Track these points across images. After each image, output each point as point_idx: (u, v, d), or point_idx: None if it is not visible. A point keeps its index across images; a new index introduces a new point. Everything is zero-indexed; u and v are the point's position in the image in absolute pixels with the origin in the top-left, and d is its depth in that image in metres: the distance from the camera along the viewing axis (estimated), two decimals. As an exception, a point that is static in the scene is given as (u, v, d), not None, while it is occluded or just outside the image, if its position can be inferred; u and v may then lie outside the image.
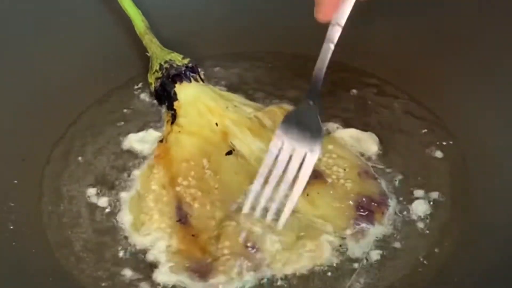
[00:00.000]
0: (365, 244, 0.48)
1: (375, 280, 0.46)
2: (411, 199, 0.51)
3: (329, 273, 0.47)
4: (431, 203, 0.51)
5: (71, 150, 0.56)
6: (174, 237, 0.48)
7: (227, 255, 0.47)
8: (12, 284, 0.46)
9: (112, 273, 0.47)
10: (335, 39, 0.44)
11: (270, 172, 0.47)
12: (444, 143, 0.55)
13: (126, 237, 0.49)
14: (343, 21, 0.43)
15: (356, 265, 0.47)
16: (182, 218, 0.49)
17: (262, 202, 0.47)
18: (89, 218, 0.51)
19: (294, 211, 0.49)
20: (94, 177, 0.54)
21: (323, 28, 0.59)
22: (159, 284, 0.46)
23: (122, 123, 0.58)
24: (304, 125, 0.47)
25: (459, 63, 0.57)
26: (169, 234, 0.49)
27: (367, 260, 0.47)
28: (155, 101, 0.59)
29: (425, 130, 0.56)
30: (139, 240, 0.49)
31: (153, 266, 0.47)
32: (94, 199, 0.52)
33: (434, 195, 0.51)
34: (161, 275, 0.47)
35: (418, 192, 0.52)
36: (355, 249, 0.48)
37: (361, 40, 0.58)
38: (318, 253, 0.47)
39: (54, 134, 0.56)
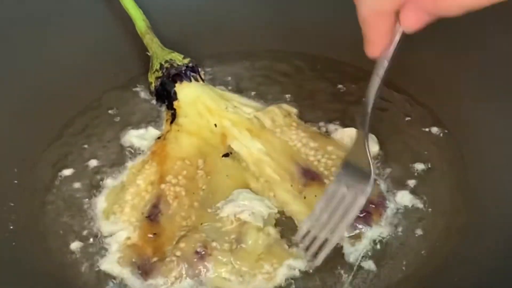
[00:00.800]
0: (362, 245, 0.48)
1: (374, 282, 0.46)
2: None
3: (325, 277, 0.46)
4: (429, 203, 0.51)
5: (71, 149, 0.56)
6: (136, 232, 0.49)
7: (174, 257, 0.47)
8: (12, 284, 0.46)
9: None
10: (382, 74, 0.45)
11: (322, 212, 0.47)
12: (442, 141, 0.55)
13: (93, 222, 0.51)
14: (390, 56, 0.44)
15: (353, 267, 0.47)
16: (151, 215, 0.50)
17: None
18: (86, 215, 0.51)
19: (291, 215, 0.50)
20: (93, 176, 0.54)
21: (323, 26, 0.60)
22: (103, 271, 0.47)
23: (122, 122, 0.58)
24: (357, 167, 0.47)
25: (455, 60, 0.57)
26: (134, 228, 0.49)
27: (364, 261, 0.47)
28: (154, 101, 0.60)
29: (423, 127, 0.56)
30: (105, 227, 0.50)
31: (103, 252, 0.48)
32: (93, 197, 0.52)
33: (433, 194, 0.51)
34: (107, 263, 0.48)
35: (416, 194, 0.51)
36: (351, 252, 0.48)
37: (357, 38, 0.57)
38: (272, 276, 0.47)
39: (54, 133, 0.57)
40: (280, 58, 0.63)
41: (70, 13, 0.61)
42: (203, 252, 0.46)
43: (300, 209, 0.50)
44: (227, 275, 0.46)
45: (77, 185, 0.53)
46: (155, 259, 0.47)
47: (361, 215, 0.49)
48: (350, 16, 0.50)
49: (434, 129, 0.55)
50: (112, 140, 0.57)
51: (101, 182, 0.53)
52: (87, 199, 0.52)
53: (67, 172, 0.54)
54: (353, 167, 0.47)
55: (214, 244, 0.47)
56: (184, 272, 0.46)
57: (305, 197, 0.50)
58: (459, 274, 0.45)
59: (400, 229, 0.49)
